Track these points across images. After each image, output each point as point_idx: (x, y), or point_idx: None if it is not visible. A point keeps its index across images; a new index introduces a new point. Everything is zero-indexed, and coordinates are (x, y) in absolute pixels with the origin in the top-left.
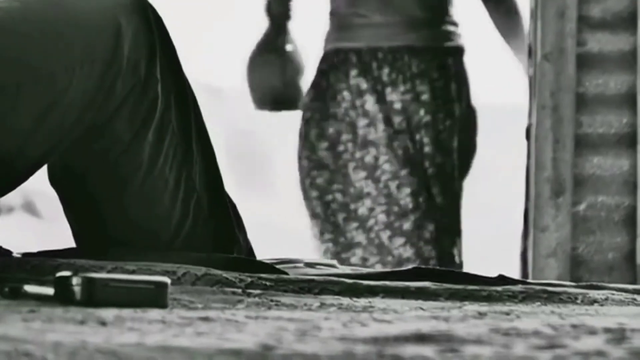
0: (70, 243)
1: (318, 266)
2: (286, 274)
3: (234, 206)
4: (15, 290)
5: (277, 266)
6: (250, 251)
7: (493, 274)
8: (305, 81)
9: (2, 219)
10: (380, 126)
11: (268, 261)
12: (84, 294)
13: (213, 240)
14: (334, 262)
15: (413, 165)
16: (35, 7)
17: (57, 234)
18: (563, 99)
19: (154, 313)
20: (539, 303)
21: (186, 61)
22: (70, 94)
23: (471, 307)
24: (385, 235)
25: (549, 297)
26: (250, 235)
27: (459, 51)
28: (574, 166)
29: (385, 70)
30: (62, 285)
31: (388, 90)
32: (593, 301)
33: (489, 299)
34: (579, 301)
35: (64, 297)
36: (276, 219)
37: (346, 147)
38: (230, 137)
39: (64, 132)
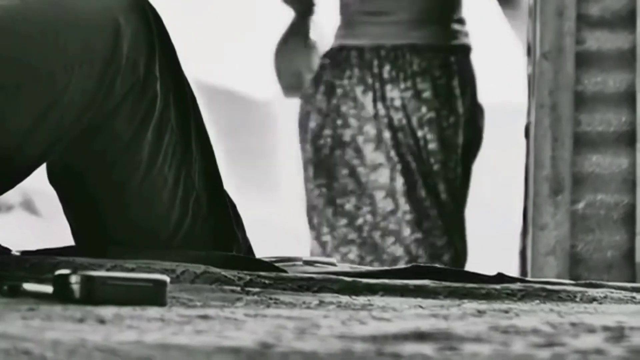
0: (69, 241)
1: (317, 264)
2: (285, 272)
3: (233, 205)
4: (14, 289)
5: (276, 264)
6: (249, 249)
7: (492, 272)
8: None
9: (1, 217)
10: (379, 123)
11: (267, 259)
12: (83, 292)
13: (212, 238)
14: (333, 260)
15: (415, 162)
16: (35, 6)
17: (56, 232)
18: (562, 98)
19: (153, 311)
20: (537, 301)
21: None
22: (69, 93)
23: (470, 305)
24: (377, 235)
25: (548, 295)
26: (249, 234)
27: (463, 49)
28: (573, 164)
29: (387, 68)
30: (61, 284)
31: (388, 87)
32: (592, 299)
33: (488, 297)
34: (577, 299)
35: (62, 295)
36: (276, 218)
37: (342, 143)
38: (230, 136)
39: (63, 131)
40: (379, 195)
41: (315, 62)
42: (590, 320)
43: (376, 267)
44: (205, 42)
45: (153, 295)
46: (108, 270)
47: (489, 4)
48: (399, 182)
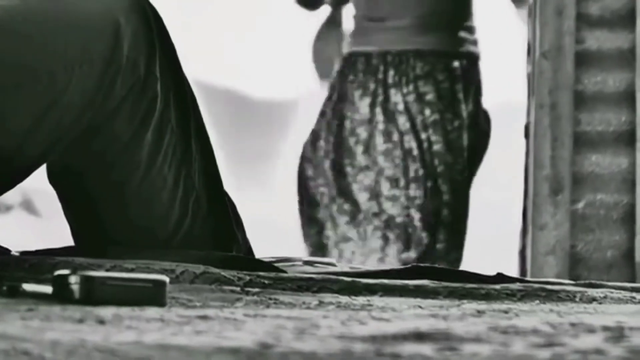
0: (69, 241)
1: (316, 264)
2: (285, 272)
3: (232, 205)
4: (13, 289)
5: (276, 264)
6: (249, 250)
7: (492, 272)
8: None
9: (1, 217)
10: (373, 127)
11: (267, 259)
12: (83, 292)
13: (212, 238)
14: (333, 260)
15: (419, 164)
16: (35, 7)
17: (56, 232)
18: (561, 97)
19: (152, 311)
20: (537, 301)
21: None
22: (69, 94)
23: (470, 306)
24: (376, 235)
25: (548, 295)
26: (249, 234)
27: (468, 56)
28: (573, 164)
29: (391, 73)
30: (61, 284)
31: (392, 91)
32: (592, 299)
33: (488, 297)
34: (577, 299)
35: (62, 295)
36: (276, 218)
37: (349, 149)
38: (230, 135)
39: (63, 132)
40: (363, 197)
41: (344, 49)
42: (590, 320)
43: (375, 268)
44: (205, 42)
45: (152, 295)
46: (107, 270)
47: (489, 4)
48: (385, 186)
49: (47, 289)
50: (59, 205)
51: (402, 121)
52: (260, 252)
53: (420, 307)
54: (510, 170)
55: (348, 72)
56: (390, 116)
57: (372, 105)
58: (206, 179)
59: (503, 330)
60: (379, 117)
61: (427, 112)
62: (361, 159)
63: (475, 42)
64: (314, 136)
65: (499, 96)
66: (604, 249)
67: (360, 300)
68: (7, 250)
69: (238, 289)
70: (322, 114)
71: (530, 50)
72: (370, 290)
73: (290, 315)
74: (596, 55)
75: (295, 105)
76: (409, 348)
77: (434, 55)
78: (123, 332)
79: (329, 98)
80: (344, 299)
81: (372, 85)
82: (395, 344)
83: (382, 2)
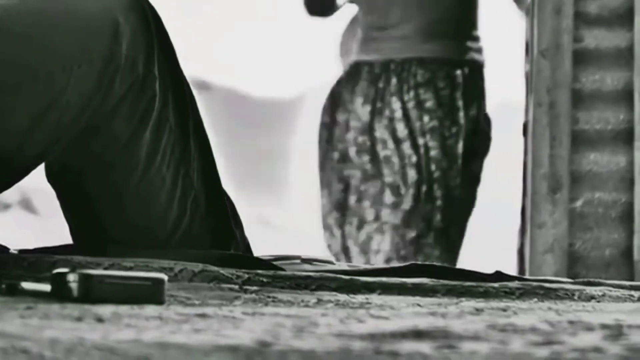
0: (68, 240)
1: (315, 262)
2: (283, 270)
3: (231, 203)
4: (12, 287)
5: (274, 262)
6: (247, 248)
7: (490, 270)
8: None
9: None
10: (373, 136)
11: (265, 258)
12: (81, 290)
13: (210, 237)
14: (331, 258)
15: (416, 170)
16: (34, 6)
17: (54, 230)
18: (560, 96)
19: (151, 309)
20: (536, 299)
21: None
22: (68, 93)
23: (468, 304)
24: (377, 238)
25: (546, 293)
26: (247, 233)
27: (471, 64)
28: (571, 163)
29: (393, 81)
30: (59, 282)
31: (393, 99)
32: (590, 297)
33: (486, 295)
34: (576, 297)
35: (61, 293)
36: (276, 218)
37: (348, 155)
38: (230, 135)
39: (62, 131)
40: (366, 204)
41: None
42: (589, 318)
43: (374, 266)
44: (204, 41)
45: (151, 293)
46: (106, 268)
47: (487, 3)
48: (387, 194)
49: (46, 287)
50: (57, 203)
51: (401, 128)
52: (259, 250)
53: (418, 305)
54: (509, 169)
55: (353, 81)
56: (389, 123)
57: (373, 113)
58: (205, 178)
59: (501, 328)
60: (379, 124)
61: (426, 118)
62: (360, 166)
63: (479, 50)
64: (338, 148)
65: (497, 95)
66: (603, 247)
67: (359, 298)
68: (6, 249)
69: (236, 287)
70: (323, 124)
71: (528, 49)
72: (369, 288)
73: (288, 314)
74: (594, 53)
75: (296, 105)
76: (407, 346)
77: (437, 62)
78: (122, 330)
79: (328, 105)
80: (342, 297)
81: (372, 94)
82: (394, 342)
83: (388, 11)
